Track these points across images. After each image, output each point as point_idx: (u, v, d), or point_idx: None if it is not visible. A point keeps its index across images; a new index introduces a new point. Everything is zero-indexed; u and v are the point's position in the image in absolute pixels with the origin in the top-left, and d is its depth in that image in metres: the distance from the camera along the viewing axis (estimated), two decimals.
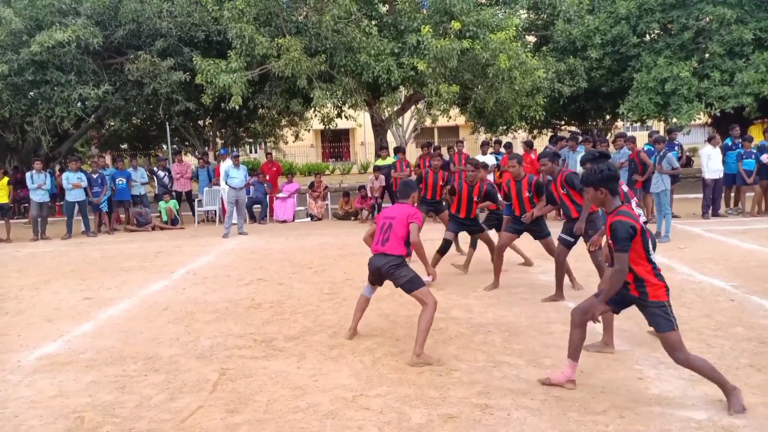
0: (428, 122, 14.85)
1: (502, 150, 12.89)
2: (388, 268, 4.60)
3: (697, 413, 3.44)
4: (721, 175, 11.16)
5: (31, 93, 13.86)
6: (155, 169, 14.46)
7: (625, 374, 4.04)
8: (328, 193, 14.39)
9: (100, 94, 13.19)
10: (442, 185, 8.21)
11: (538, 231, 6.37)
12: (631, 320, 5.20)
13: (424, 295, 4.50)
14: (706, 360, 3.55)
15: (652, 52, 14.15)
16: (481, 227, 7.17)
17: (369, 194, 13.03)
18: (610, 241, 3.57)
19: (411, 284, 4.53)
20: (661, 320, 3.47)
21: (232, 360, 4.57)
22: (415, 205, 5.09)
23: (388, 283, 5.91)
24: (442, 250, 7.13)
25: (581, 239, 5.84)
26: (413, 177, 10.28)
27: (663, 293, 3.51)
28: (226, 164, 12.08)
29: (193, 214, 14.08)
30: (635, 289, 3.55)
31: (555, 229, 6.27)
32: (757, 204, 11.40)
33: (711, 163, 11.08)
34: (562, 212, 5.92)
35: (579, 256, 6.97)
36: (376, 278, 4.83)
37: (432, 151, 11.94)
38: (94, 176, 12.54)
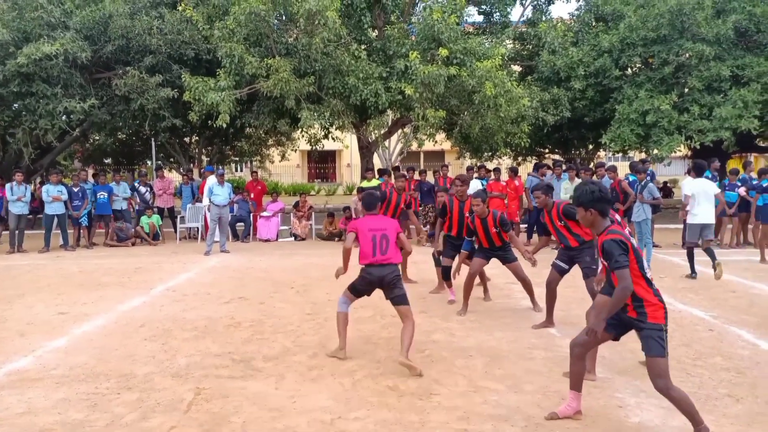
0: (414, 146, 14.98)
1: (492, 177, 13.01)
2: (392, 278, 4.80)
3: None
4: None
5: (15, 105, 13.71)
6: (136, 184, 14.33)
7: (605, 402, 4.03)
8: (313, 213, 14.35)
9: (86, 108, 13.09)
10: (404, 207, 8.19)
11: (506, 256, 6.45)
12: (612, 348, 5.21)
13: (410, 312, 4.84)
14: (687, 395, 3.48)
15: (633, 85, 14.48)
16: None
17: (353, 215, 13.02)
18: (603, 262, 3.55)
19: (404, 298, 4.83)
20: (655, 344, 3.37)
21: (208, 379, 4.48)
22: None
23: (370, 305, 5.86)
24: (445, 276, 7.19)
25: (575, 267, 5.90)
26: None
27: (662, 315, 3.42)
28: (210, 181, 12.02)
29: (175, 231, 13.93)
30: (633, 309, 3.46)
31: (548, 255, 6.29)
32: (735, 236, 11.60)
33: None
34: (561, 242, 5.92)
35: (562, 283, 7.00)
36: (370, 289, 4.93)
37: (402, 172, 12.08)
38: (75, 189, 12.37)
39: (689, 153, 18.83)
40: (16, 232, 11.84)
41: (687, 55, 13.72)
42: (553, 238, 6.11)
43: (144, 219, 13.15)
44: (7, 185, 12.06)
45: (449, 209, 7.09)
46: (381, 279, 4.80)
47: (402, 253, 5.02)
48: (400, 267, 5.03)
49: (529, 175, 13.35)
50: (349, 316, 5.08)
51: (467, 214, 6.81)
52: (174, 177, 18.76)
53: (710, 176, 11.61)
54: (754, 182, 11.26)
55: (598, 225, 3.60)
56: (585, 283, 5.74)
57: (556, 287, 5.89)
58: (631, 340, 5.21)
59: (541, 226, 6.12)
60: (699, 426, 3.37)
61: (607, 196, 3.62)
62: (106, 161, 23.75)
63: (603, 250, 3.46)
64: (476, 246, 6.61)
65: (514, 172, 12.94)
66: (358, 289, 4.97)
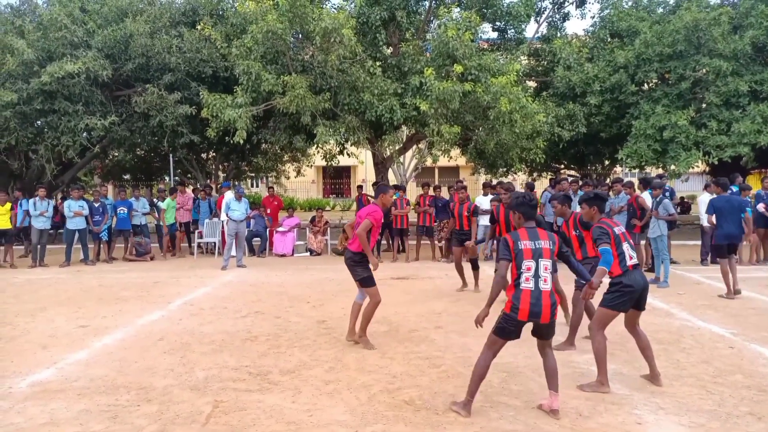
0: (429, 162, 14.99)
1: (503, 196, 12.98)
2: (348, 263, 5.70)
3: None
4: None
5: (38, 122, 14.06)
6: (155, 200, 14.54)
7: (623, 419, 4.00)
8: (328, 228, 14.43)
9: (107, 125, 13.38)
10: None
11: None
12: (629, 364, 5.17)
13: (375, 293, 5.71)
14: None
15: (650, 101, 14.43)
16: None
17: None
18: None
19: (365, 282, 5.67)
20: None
21: (226, 392, 4.52)
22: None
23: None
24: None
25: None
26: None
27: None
28: (228, 197, 12.16)
29: (189, 245, 14.07)
30: None
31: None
32: (755, 252, 11.44)
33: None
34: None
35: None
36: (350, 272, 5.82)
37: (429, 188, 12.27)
38: (96, 205, 12.59)
39: (707, 169, 18.64)
40: (38, 246, 12.06)
41: (704, 70, 13.67)
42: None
43: (168, 202, 13.64)
44: (30, 200, 12.31)
45: (496, 215, 7.63)
46: (346, 262, 5.81)
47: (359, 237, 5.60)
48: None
49: (544, 191, 13.32)
50: (368, 329, 5.65)
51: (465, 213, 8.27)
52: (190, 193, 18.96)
53: (737, 191, 11.51)
54: None
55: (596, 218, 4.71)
56: (574, 294, 5.83)
57: (583, 306, 5.84)
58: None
59: (563, 237, 6.12)
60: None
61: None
62: (125, 177, 24.13)
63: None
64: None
65: (530, 187, 12.94)
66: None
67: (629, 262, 4.55)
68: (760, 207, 11.16)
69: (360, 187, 15.41)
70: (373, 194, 13.87)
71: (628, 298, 4.49)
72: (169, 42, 13.64)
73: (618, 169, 21.40)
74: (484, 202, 12.65)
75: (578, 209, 5.29)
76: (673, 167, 13.72)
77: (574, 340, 5.69)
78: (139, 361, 5.32)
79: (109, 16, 14.03)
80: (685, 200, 23.51)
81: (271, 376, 4.91)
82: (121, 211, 12.98)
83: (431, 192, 13.26)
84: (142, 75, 14.15)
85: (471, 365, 5.15)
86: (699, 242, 11.53)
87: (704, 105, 14.04)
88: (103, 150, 17.92)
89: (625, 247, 4.58)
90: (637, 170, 18.58)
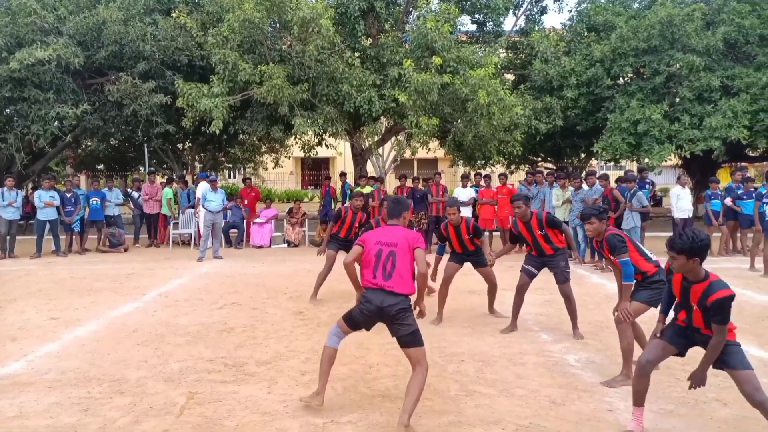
0: (408, 154, 15.02)
1: (482, 183, 13.11)
2: (397, 311, 3.73)
3: None
4: (690, 214, 11.47)
5: (8, 110, 13.68)
6: (129, 190, 14.31)
7: (595, 406, 4.07)
8: (306, 220, 14.36)
9: (78, 114, 13.08)
10: (358, 227, 7.73)
11: (478, 260, 6.55)
12: (601, 353, 5.27)
13: (423, 356, 3.78)
14: None
15: (625, 95, 14.63)
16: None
17: None
18: (696, 307, 3.47)
19: (414, 338, 3.76)
20: (743, 357, 3.39)
21: (201, 384, 4.48)
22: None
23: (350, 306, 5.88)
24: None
25: (545, 271, 6.03)
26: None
27: (734, 334, 3.45)
28: (203, 187, 12.01)
29: (146, 236, 13.92)
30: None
31: (516, 261, 6.33)
32: (724, 244, 11.72)
33: (680, 202, 11.40)
34: (534, 250, 6.04)
35: (554, 290, 7.06)
36: (369, 322, 3.91)
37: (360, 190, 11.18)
38: (68, 195, 12.33)
39: (680, 162, 19.01)
40: (8, 237, 11.78)
41: (678, 65, 13.90)
42: (520, 245, 6.22)
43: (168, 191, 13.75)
44: None
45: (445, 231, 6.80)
46: (380, 310, 3.75)
47: (422, 279, 3.86)
48: (412, 299, 3.93)
49: (520, 183, 13.45)
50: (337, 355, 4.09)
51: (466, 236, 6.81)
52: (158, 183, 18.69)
53: (733, 186, 11.77)
54: (740, 191, 11.39)
55: (698, 272, 3.43)
56: (559, 288, 5.90)
57: (525, 292, 6.07)
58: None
59: (512, 234, 6.21)
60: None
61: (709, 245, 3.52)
62: (98, 167, 23.66)
63: (713, 305, 3.35)
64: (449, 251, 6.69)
65: (505, 177, 13.09)
66: (355, 320, 3.92)
67: (653, 258, 4.56)
68: (728, 201, 11.42)
69: (343, 175, 15.23)
70: (352, 184, 13.85)
71: (662, 293, 4.18)
72: (144, 29, 13.35)
73: (593, 162, 21.68)
74: (461, 193, 12.75)
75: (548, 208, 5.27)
76: (646, 160, 13.95)
77: (630, 368, 4.52)
78: (112, 353, 5.25)
79: (80, 2, 13.66)
80: (657, 193, 23.94)
81: (247, 367, 4.88)
82: (94, 202, 12.74)
83: (409, 184, 13.28)
84: (116, 63, 13.84)
85: (447, 355, 5.21)
86: (670, 234, 11.74)
87: (677, 99, 14.28)
88: (76, 139, 17.52)
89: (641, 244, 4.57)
90: (612, 163, 18.88)
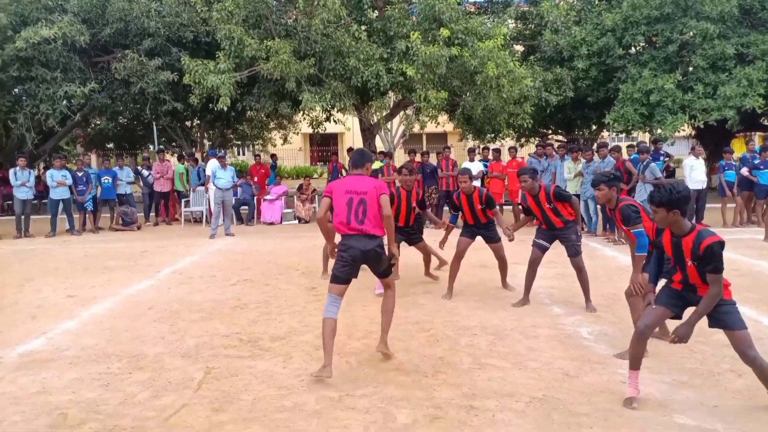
0: (417, 128, 14.91)
1: (490, 157, 13.02)
2: (379, 252, 4.21)
3: (680, 417, 3.49)
4: (704, 186, 11.36)
5: (16, 89, 13.71)
6: (140, 168, 14.36)
7: (608, 378, 4.09)
8: (316, 195, 14.39)
9: (86, 92, 13.08)
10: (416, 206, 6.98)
11: (490, 235, 6.51)
12: (614, 326, 5.28)
13: (393, 282, 4.54)
14: None
15: (637, 64, 14.37)
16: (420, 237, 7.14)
17: None
18: (690, 262, 3.48)
19: (390, 269, 4.42)
20: (737, 318, 3.43)
21: (217, 359, 4.55)
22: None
23: (373, 285, 5.90)
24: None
25: (556, 244, 5.99)
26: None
27: (730, 292, 3.49)
28: (212, 165, 12.03)
29: (154, 214, 13.98)
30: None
31: (527, 235, 6.32)
32: (738, 214, 11.61)
33: (694, 173, 11.28)
34: (544, 224, 5.99)
35: (566, 263, 7.06)
36: (354, 267, 4.22)
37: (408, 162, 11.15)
38: (79, 174, 12.41)
39: (693, 132, 18.74)
40: (22, 217, 11.91)
41: (691, 33, 13.60)
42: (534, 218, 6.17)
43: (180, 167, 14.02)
44: (11, 170, 12.10)
45: (397, 199, 6.73)
46: (364, 253, 4.14)
47: (388, 221, 4.22)
48: (385, 240, 4.32)
49: (530, 156, 13.34)
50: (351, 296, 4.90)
51: (414, 204, 6.84)
52: (173, 161, 18.76)
53: (748, 156, 11.65)
54: (756, 161, 11.25)
55: (681, 225, 3.52)
56: (571, 261, 5.88)
57: (537, 266, 6.04)
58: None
59: (523, 208, 6.17)
60: None
61: (689, 196, 3.58)
62: (108, 146, 23.73)
63: (704, 254, 3.36)
64: (462, 223, 6.65)
65: (515, 150, 13.00)
66: (340, 276, 4.18)
67: None
68: (744, 171, 11.28)
69: (350, 151, 15.23)
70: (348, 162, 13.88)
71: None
72: (148, 5, 13.25)
73: (605, 133, 21.44)
74: (470, 167, 12.63)
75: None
76: (659, 131, 13.78)
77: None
78: (129, 330, 5.33)
79: None
80: (670, 165, 23.68)
81: (261, 342, 4.95)
82: (106, 181, 12.82)
83: (418, 158, 13.21)
84: (121, 40, 13.78)
85: (459, 329, 5.25)
86: None
87: (691, 68, 14.02)
88: (85, 118, 17.56)
89: None
90: (623, 134, 18.66)
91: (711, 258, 3.34)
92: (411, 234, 7.05)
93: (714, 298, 3.39)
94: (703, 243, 3.36)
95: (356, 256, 4.17)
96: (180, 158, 14.50)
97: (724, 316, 3.45)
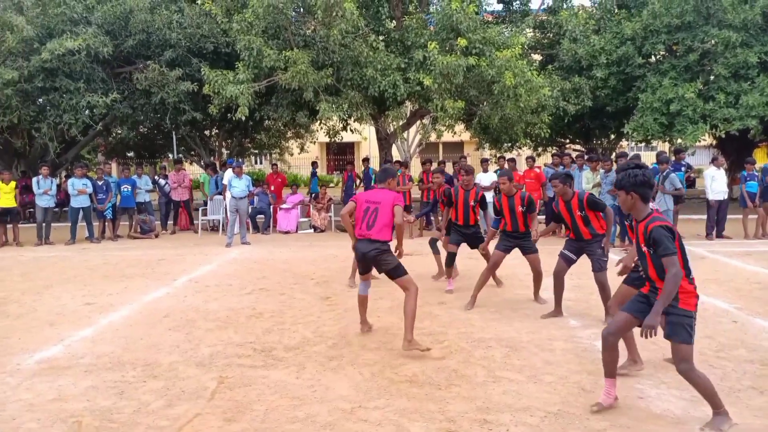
0: (433, 137, 14.89)
1: (506, 166, 12.93)
2: (375, 255, 4.83)
3: None
4: (725, 196, 11.16)
5: (40, 100, 14.00)
6: (157, 177, 14.55)
7: (626, 393, 4.01)
8: (332, 205, 14.42)
9: (108, 102, 13.31)
10: (473, 205, 7.00)
11: (526, 245, 6.44)
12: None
13: (408, 282, 4.82)
14: (708, 379, 3.49)
15: (657, 73, 14.22)
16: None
17: None
18: (645, 249, 3.49)
19: (397, 271, 4.82)
20: (682, 330, 3.39)
21: (231, 368, 4.56)
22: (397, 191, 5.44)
23: (388, 296, 5.91)
24: (449, 262, 7.14)
25: (583, 258, 5.88)
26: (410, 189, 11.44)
27: (693, 303, 3.44)
28: (229, 174, 12.15)
29: (172, 223, 14.12)
30: None
31: (554, 246, 6.27)
32: (760, 226, 11.37)
33: (715, 184, 11.09)
34: (572, 233, 5.90)
35: (582, 274, 6.98)
36: (364, 265, 5.02)
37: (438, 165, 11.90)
38: (99, 183, 12.61)
39: (714, 142, 18.46)
40: (43, 224, 12.12)
41: (713, 41, 13.42)
42: (564, 226, 6.08)
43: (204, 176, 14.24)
44: (34, 179, 12.34)
45: (455, 198, 7.07)
46: (363, 255, 4.90)
47: (399, 228, 4.96)
48: (391, 244, 4.96)
49: (545, 166, 13.24)
50: (369, 309, 5.26)
51: (471, 203, 6.94)
52: (196, 170, 19.02)
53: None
54: None
55: (640, 210, 3.55)
56: (594, 276, 5.76)
57: (564, 277, 5.93)
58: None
59: (553, 213, 6.08)
60: (719, 409, 3.42)
61: (650, 180, 3.57)
62: (128, 155, 24.09)
63: (651, 238, 3.39)
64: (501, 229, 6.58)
65: (532, 160, 12.91)
66: (360, 270, 5.10)
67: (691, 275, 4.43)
68: None
69: (366, 160, 15.29)
70: (375, 174, 13.93)
71: None
72: (170, 17, 13.47)
73: (624, 143, 21.21)
74: (484, 178, 12.57)
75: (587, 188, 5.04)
76: (679, 141, 13.59)
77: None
78: (145, 338, 5.38)
79: None
80: (691, 175, 23.35)
81: (275, 352, 4.95)
82: (125, 189, 13.01)
83: (432, 168, 13.16)
84: (143, 51, 14.02)
85: (474, 341, 5.20)
86: (704, 216, 11.46)
87: (712, 77, 13.82)
88: (106, 128, 17.88)
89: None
90: (643, 144, 18.43)
91: (659, 242, 3.35)
92: (471, 236, 7.06)
93: (673, 279, 3.32)
94: (649, 227, 3.42)
95: (359, 257, 4.99)
96: (207, 167, 14.77)
97: (671, 326, 3.42)
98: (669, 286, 3.34)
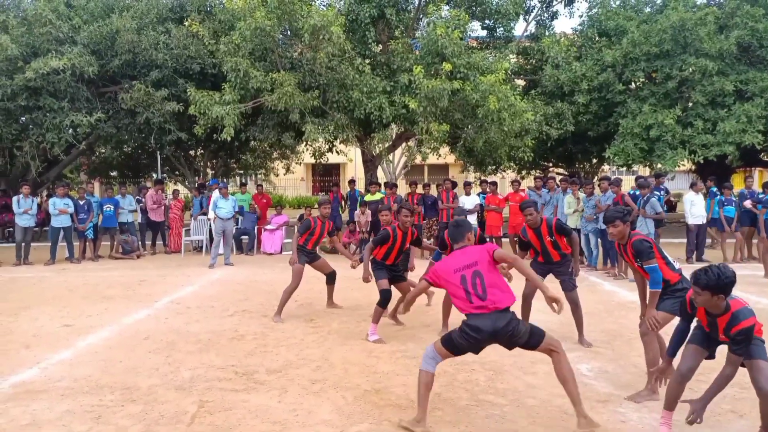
0: (418, 160, 15.00)
1: (488, 190, 13.07)
2: (511, 329, 3.66)
3: None
4: (704, 220, 11.36)
5: (23, 118, 13.88)
6: (138, 197, 14.43)
7: (608, 417, 4.03)
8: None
9: (92, 122, 13.24)
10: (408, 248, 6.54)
11: (563, 273, 5.92)
12: (614, 362, 5.21)
13: (552, 342, 3.78)
14: None
15: (637, 99, 14.54)
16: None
17: (357, 228, 13.06)
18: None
19: (536, 337, 3.75)
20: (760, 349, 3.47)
21: (211, 392, 4.49)
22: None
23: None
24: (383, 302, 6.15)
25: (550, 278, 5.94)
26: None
27: (761, 329, 3.50)
28: (215, 195, 12.09)
29: (164, 245, 13.97)
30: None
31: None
32: (738, 251, 11.57)
33: (694, 209, 11.30)
34: (541, 256, 5.94)
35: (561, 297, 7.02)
36: (480, 347, 3.80)
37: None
38: (81, 202, 12.47)
39: (693, 167, 18.84)
40: (23, 244, 11.92)
41: (690, 70, 13.80)
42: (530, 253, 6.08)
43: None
44: (14, 198, 12.17)
45: (392, 240, 6.27)
46: (495, 333, 3.65)
47: (519, 263, 3.92)
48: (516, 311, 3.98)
49: (528, 189, 13.39)
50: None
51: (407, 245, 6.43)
52: (180, 190, 18.90)
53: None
54: (761, 196, 11.25)
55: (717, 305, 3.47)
56: (566, 296, 5.76)
57: (531, 300, 5.96)
58: (635, 353, 5.22)
59: (521, 241, 6.12)
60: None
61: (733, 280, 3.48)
62: (111, 174, 23.88)
63: (740, 332, 3.39)
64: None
65: (518, 183, 13.05)
66: (459, 347, 3.77)
67: (677, 266, 4.43)
68: (748, 203, 11.26)
69: (352, 182, 15.21)
70: (361, 191, 13.89)
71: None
72: (156, 38, 13.51)
73: (605, 167, 21.56)
74: (467, 201, 12.64)
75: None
76: (659, 166, 13.85)
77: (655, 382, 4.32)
78: (124, 361, 5.28)
79: (95, 11, 13.89)
80: (672, 199, 23.74)
81: (257, 375, 4.89)
82: (108, 209, 12.87)
83: (419, 190, 13.26)
84: (129, 71, 14.01)
85: (458, 364, 5.18)
86: (684, 240, 11.64)
87: (690, 104, 14.18)
88: (90, 147, 17.73)
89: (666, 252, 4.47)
90: (624, 168, 18.74)
91: (743, 340, 3.38)
92: (396, 272, 6.48)
93: (729, 376, 3.51)
94: (736, 327, 3.36)
95: (486, 337, 3.70)
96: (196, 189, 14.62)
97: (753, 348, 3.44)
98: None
